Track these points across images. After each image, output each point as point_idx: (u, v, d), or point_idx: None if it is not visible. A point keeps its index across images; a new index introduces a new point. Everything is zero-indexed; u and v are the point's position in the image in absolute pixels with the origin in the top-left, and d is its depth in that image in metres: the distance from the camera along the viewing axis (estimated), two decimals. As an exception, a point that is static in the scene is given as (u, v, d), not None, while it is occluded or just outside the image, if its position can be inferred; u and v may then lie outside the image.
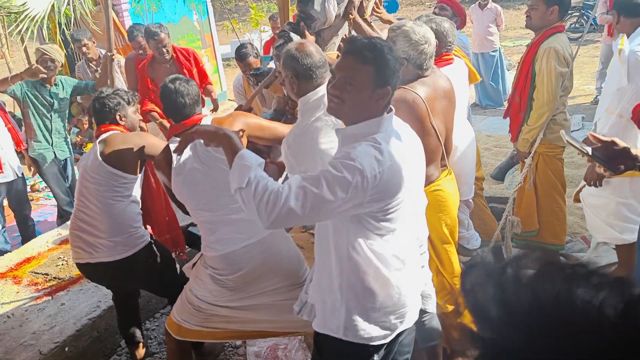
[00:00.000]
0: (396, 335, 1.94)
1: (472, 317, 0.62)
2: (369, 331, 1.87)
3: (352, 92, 1.76)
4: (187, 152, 2.46)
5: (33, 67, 4.37)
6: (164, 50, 4.79)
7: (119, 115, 2.89)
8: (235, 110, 3.00)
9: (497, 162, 5.07)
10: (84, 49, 5.29)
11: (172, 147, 2.49)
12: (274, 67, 2.78)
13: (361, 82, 1.74)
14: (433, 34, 2.58)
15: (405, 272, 1.90)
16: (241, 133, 2.52)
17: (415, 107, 2.47)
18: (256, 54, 4.24)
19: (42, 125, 4.73)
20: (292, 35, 2.75)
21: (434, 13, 3.81)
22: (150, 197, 3.06)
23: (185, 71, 4.94)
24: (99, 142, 2.81)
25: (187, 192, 2.48)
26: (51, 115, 4.75)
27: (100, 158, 2.76)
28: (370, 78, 1.74)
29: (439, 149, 2.63)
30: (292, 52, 2.28)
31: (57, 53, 4.71)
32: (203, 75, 5.07)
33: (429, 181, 2.57)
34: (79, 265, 2.92)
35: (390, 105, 1.84)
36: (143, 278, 2.98)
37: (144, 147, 2.78)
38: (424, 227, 2.18)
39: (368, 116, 1.78)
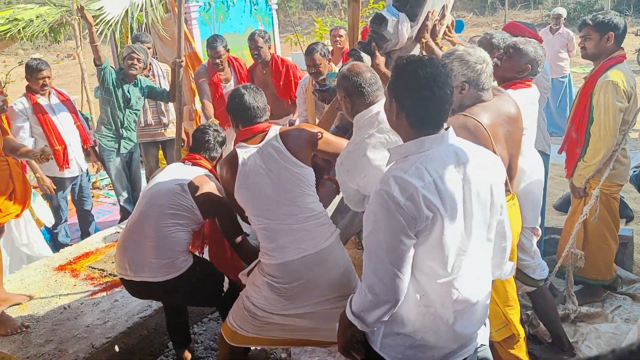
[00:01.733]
0: None
1: None
2: (406, 356, 1.83)
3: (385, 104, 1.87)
4: (254, 156, 2.49)
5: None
6: (256, 53, 5.02)
7: (221, 153, 3.08)
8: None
9: (561, 192, 4.88)
10: (147, 50, 5.45)
11: (240, 151, 2.51)
12: None
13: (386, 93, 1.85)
14: (488, 55, 2.50)
15: (452, 305, 1.80)
16: (320, 135, 2.53)
17: (477, 134, 2.37)
18: (324, 52, 4.27)
19: (115, 117, 4.92)
20: (363, 54, 2.72)
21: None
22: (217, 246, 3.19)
23: (273, 80, 5.09)
24: (191, 178, 2.84)
25: (251, 197, 2.49)
26: (125, 111, 4.93)
27: (189, 192, 2.80)
28: (387, 89, 1.83)
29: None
30: (343, 72, 2.34)
31: (144, 54, 4.88)
32: (287, 89, 5.15)
33: None
34: (122, 280, 2.92)
35: (446, 125, 1.79)
36: (187, 297, 2.99)
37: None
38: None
39: (398, 131, 1.84)
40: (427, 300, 1.79)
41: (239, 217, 2.83)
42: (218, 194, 2.87)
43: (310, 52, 4.30)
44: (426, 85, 1.71)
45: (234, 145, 2.62)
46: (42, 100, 4.55)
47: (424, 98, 1.72)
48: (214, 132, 3.06)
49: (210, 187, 2.87)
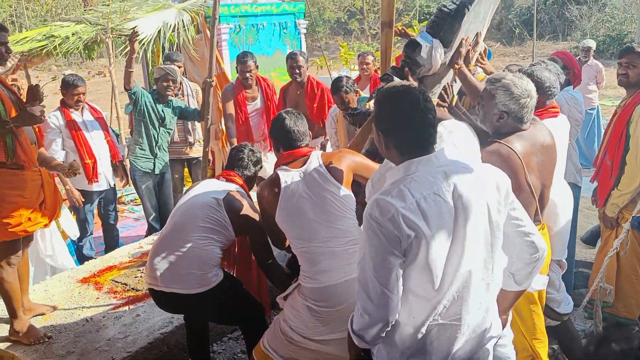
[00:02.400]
0: None
1: None
2: None
3: None
4: (296, 180, 2.52)
5: None
6: (297, 71, 5.04)
7: (255, 172, 3.13)
8: None
9: (589, 225, 4.81)
10: (178, 70, 5.51)
11: (282, 174, 2.55)
12: (372, 108, 2.76)
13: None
14: (534, 86, 2.51)
15: (441, 326, 1.80)
16: (360, 160, 2.61)
17: (510, 161, 2.39)
18: (350, 88, 4.27)
19: (150, 137, 4.97)
20: (395, 79, 2.74)
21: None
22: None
23: (307, 101, 5.11)
24: (226, 193, 2.89)
25: (292, 220, 2.50)
26: (159, 129, 4.99)
27: (223, 206, 2.84)
28: (373, 122, 1.91)
29: (533, 205, 2.53)
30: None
31: (178, 74, 4.97)
32: (320, 112, 5.14)
33: None
34: (151, 291, 2.95)
35: (433, 148, 1.83)
36: (214, 312, 2.98)
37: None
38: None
39: (389, 159, 1.91)
40: (416, 320, 1.80)
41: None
42: (251, 211, 2.90)
43: (336, 91, 4.30)
44: (408, 114, 1.79)
45: (275, 168, 2.66)
46: (75, 115, 4.65)
47: (408, 127, 1.80)
48: (249, 152, 3.11)
49: (244, 203, 2.91)
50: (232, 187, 2.98)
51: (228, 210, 2.85)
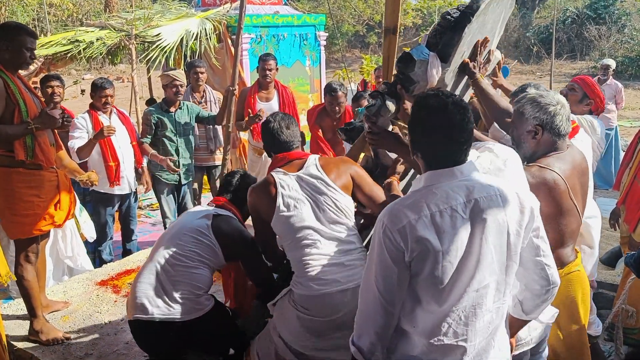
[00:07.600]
0: None
1: None
2: None
3: None
4: (293, 184, 2.46)
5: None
6: (336, 108, 4.91)
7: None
8: None
9: (609, 246, 4.76)
10: (201, 76, 5.52)
11: (277, 177, 2.49)
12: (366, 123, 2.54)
13: None
14: (563, 98, 2.39)
15: (446, 345, 1.70)
16: (359, 169, 2.55)
17: (556, 187, 2.25)
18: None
19: (169, 150, 4.99)
20: (388, 102, 2.51)
21: (561, 93, 3.64)
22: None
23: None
24: (215, 218, 2.79)
25: (289, 225, 2.43)
26: (177, 140, 4.97)
27: (213, 233, 2.74)
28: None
29: (579, 229, 2.41)
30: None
31: (183, 78, 5.00)
32: None
33: (565, 263, 2.37)
34: (135, 323, 2.71)
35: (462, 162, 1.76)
36: (204, 341, 2.77)
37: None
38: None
39: (419, 166, 1.86)
40: (422, 334, 1.72)
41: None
42: (242, 235, 2.82)
43: (356, 99, 4.23)
44: (438, 132, 1.71)
45: (269, 171, 2.59)
46: (103, 118, 4.68)
47: (436, 144, 1.73)
48: (240, 177, 3.04)
49: (234, 227, 2.82)
50: (221, 212, 2.88)
51: (217, 235, 2.74)
